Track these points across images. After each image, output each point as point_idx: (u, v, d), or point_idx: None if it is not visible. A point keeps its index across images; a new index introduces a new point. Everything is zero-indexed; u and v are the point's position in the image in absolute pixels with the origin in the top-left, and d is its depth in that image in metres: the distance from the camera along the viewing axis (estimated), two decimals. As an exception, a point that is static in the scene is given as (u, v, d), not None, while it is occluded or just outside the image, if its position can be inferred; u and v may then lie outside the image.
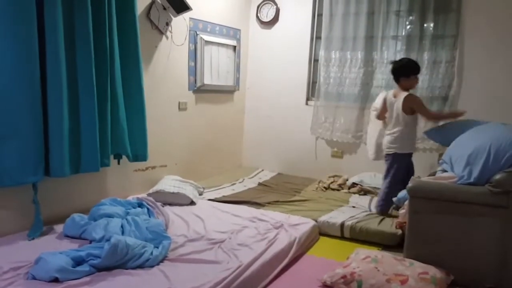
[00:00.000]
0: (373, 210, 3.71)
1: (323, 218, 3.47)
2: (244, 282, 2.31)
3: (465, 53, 4.20)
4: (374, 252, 2.77)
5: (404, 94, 3.50)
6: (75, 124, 2.95)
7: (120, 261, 2.29)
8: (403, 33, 4.45)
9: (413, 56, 4.36)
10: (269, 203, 3.86)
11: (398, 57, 4.45)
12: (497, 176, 2.50)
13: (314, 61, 5.02)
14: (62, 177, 2.87)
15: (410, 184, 2.78)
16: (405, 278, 2.36)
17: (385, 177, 3.65)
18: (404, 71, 3.51)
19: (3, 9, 2.47)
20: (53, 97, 2.76)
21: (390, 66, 4.50)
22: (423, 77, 4.36)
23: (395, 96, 3.58)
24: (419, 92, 4.38)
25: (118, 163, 3.46)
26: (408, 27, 4.43)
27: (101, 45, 3.05)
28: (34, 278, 2.11)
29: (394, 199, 3.58)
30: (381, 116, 3.77)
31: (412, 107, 3.47)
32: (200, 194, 3.95)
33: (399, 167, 3.56)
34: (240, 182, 4.59)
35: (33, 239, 2.64)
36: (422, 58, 4.34)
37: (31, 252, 2.37)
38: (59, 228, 2.83)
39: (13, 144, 2.58)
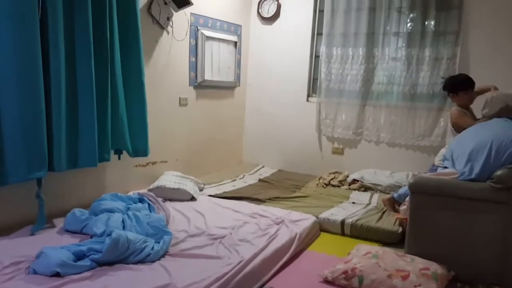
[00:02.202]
0: None
1: (324, 214, 3.47)
2: (245, 277, 2.31)
3: (467, 49, 4.19)
4: (375, 248, 2.77)
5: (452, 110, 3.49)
6: (74, 119, 2.94)
7: (121, 256, 2.29)
8: (405, 30, 4.44)
9: (414, 53, 4.37)
10: (269, 199, 3.86)
11: (399, 54, 4.47)
12: (499, 172, 2.50)
13: (315, 58, 5.01)
14: (59, 171, 2.85)
15: (411, 180, 2.78)
16: (406, 273, 2.36)
17: None
18: (450, 89, 3.48)
19: (4, 1, 2.46)
20: (54, 93, 2.75)
21: (391, 62, 4.54)
22: (424, 74, 4.37)
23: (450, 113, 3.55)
24: (420, 88, 4.39)
25: (119, 158, 3.46)
26: (409, 23, 4.43)
27: (102, 40, 3.04)
28: (35, 272, 2.11)
29: (395, 195, 3.59)
30: None
31: (453, 122, 3.43)
32: (201, 190, 3.95)
33: None
34: (240, 178, 4.58)
35: (33, 234, 2.64)
36: (423, 55, 4.34)
37: (32, 246, 2.37)
38: (60, 223, 2.82)
39: (19, 140, 2.57)
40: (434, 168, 3.40)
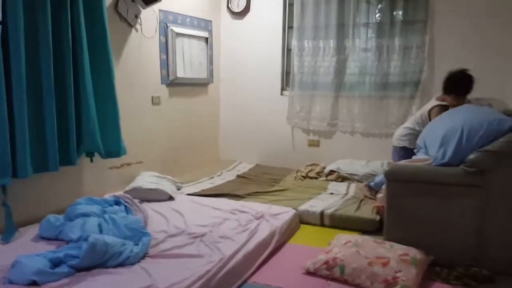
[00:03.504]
0: None
1: (303, 207, 3.49)
2: (227, 274, 2.30)
3: (435, 37, 4.27)
4: (355, 236, 2.80)
5: (435, 103, 3.43)
6: (38, 123, 2.86)
7: (100, 260, 2.24)
8: (374, 20, 4.49)
9: (384, 43, 4.43)
10: (248, 194, 3.85)
11: (369, 45, 4.52)
12: (471, 156, 2.55)
13: (287, 51, 5.01)
14: (22, 178, 2.76)
15: (386, 168, 2.81)
16: (386, 260, 2.40)
17: None
18: (447, 88, 3.27)
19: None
20: (16, 97, 2.67)
21: (362, 53, 4.58)
22: (394, 63, 4.43)
23: (436, 99, 3.50)
24: (392, 78, 4.45)
25: (91, 160, 3.38)
26: (378, 14, 4.48)
27: (66, 41, 2.97)
28: (11, 282, 2.04)
29: (372, 183, 3.64)
30: None
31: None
32: (179, 189, 3.91)
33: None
34: (218, 176, 4.56)
35: (7, 242, 2.56)
36: (393, 44, 4.40)
37: (7, 256, 2.29)
38: (34, 230, 2.74)
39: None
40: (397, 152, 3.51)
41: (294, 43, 4.83)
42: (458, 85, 3.23)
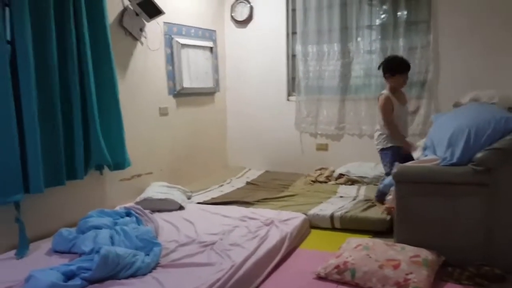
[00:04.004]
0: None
1: (313, 211, 3.49)
2: (238, 281, 2.31)
3: (439, 37, 4.26)
4: (365, 240, 2.79)
5: (382, 94, 3.55)
6: (47, 139, 2.91)
7: (112, 271, 2.27)
8: (377, 22, 4.49)
9: (388, 44, 4.43)
10: (258, 201, 3.86)
11: (373, 47, 4.52)
12: (479, 155, 2.53)
13: (292, 57, 5.03)
14: (35, 193, 2.80)
15: (394, 170, 2.81)
16: (397, 262, 2.39)
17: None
18: (388, 70, 3.48)
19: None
20: (26, 115, 2.72)
21: (366, 55, 4.58)
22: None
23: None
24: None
25: (101, 173, 3.44)
26: (382, 15, 4.48)
27: (72, 58, 3.03)
28: (25, 296, 2.08)
29: (381, 186, 3.63)
30: None
31: (380, 106, 3.52)
32: (189, 198, 3.93)
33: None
34: (227, 183, 4.58)
35: (21, 257, 2.60)
36: (397, 45, 4.40)
37: (21, 270, 2.33)
38: (47, 244, 2.78)
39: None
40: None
41: (298, 48, 4.85)
42: (402, 63, 3.50)
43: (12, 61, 2.67)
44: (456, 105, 3.45)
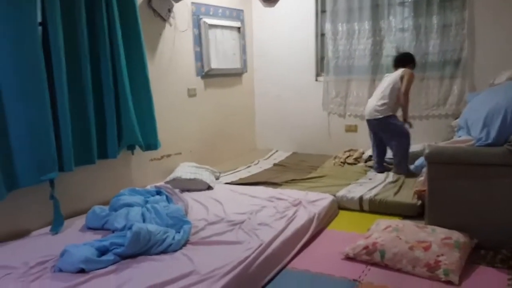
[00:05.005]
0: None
1: (341, 192, 3.47)
2: (266, 259, 2.33)
3: (475, 13, 4.08)
4: (395, 221, 2.76)
5: (406, 69, 3.95)
6: (80, 119, 2.98)
7: (144, 248, 2.32)
8: (410, -1, 4.35)
9: (421, 22, 4.29)
10: (286, 182, 3.86)
11: (406, 25, 4.39)
12: (516, 134, 2.44)
13: (321, 36, 4.94)
14: (68, 171, 2.88)
15: (427, 151, 2.73)
16: (428, 244, 2.35)
17: None
18: (413, 62, 4.05)
19: (2, 11, 2.48)
20: (59, 96, 2.78)
21: (399, 33, 4.45)
22: (433, 42, 4.28)
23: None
24: (431, 57, 4.31)
25: (132, 153, 3.50)
26: (415, -9, 4.33)
27: (103, 39, 3.06)
28: (60, 270, 2.15)
29: (412, 167, 3.56)
30: None
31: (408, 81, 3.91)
32: (217, 178, 3.97)
33: None
34: (255, 164, 4.59)
35: (56, 233, 2.70)
36: (431, 23, 4.26)
37: (56, 246, 2.42)
38: (81, 221, 2.87)
39: (27, 144, 2.62)
40: None
41: (327, 27, 4.75)
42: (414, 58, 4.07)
43: (44, 42, 2.71)
44: (492, 84, 3.32)
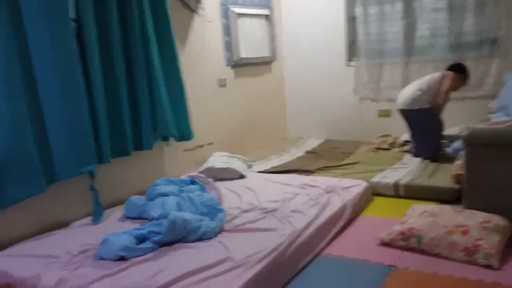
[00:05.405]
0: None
1: (376, 178, 3.42)
2: (300, 246, 2.34)
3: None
4: (431, 206, 2.69)
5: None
6: (115, 112, 3.06)
7: (180, 235, 2.38)
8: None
9: (456, 1, 4.13)
10: (318, 169, 3.84)
11: (440, 4, 4.24)
12: (560, 114, 2.34)
13: (351, 19, 4.84)
14: (106, 163, 2.97)
15: (465, 132, 2.65)
16: (466, 228, 2.29)
17: None
18: (461, 68, 3.85)
19: (37, 9, 2.55)
20: (95, 91, 2.87)
21: (432, 14, 4.30)
22: (468, 21, 4.13)
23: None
24: (466, 37, 4.16)
25: (167, 144, 3.57)
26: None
27: (135, 33, 3.12)
28: (102, 258, 2.24)
29: (449, 149, 3.46)
30: None
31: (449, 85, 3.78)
32: (249, 167, 4.00)
33: None
34: (287, 152, 4.58)
35: (97, 223, 2.80)
36: (465, 2, 4.10)
37: (97, 235, 2.50)
38: (119, 211, 2.97)
39: (65, 138, 2.71)
40: None
41: (358, 10, 4.65)
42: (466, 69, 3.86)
43: (78, 38, 2.79)
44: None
